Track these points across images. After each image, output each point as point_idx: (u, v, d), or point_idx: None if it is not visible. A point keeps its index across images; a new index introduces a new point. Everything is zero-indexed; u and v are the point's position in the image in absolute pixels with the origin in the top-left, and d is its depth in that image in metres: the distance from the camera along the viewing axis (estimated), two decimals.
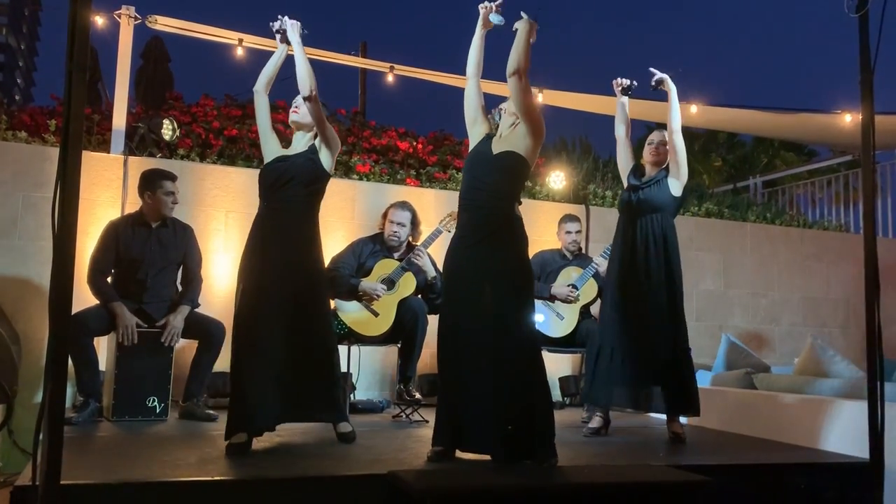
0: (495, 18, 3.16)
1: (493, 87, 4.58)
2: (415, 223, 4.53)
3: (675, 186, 3.87)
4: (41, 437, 2.07)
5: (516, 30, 3.08)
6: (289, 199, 3.26)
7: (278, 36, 3.44)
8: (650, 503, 2.60)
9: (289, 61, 3.41)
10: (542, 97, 6.16)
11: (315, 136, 3.39)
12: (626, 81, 4.03)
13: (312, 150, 3.36)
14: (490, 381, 2.88)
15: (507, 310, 2.93)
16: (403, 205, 4.53)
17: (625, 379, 3.75)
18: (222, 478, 2.49)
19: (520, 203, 3.10)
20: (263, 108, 3.42)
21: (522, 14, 3.10)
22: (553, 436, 2.91)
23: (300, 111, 3.36)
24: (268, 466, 2.74)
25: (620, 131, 4.04)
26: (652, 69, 4.02)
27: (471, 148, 3.19)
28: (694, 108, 6.41)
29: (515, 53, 3.04)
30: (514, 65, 3.03)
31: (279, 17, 3.44)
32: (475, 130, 3.19)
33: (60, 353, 2.08)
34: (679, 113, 3.86)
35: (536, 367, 2.95)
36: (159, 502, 2.34)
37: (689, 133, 16.73)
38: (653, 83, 3.99)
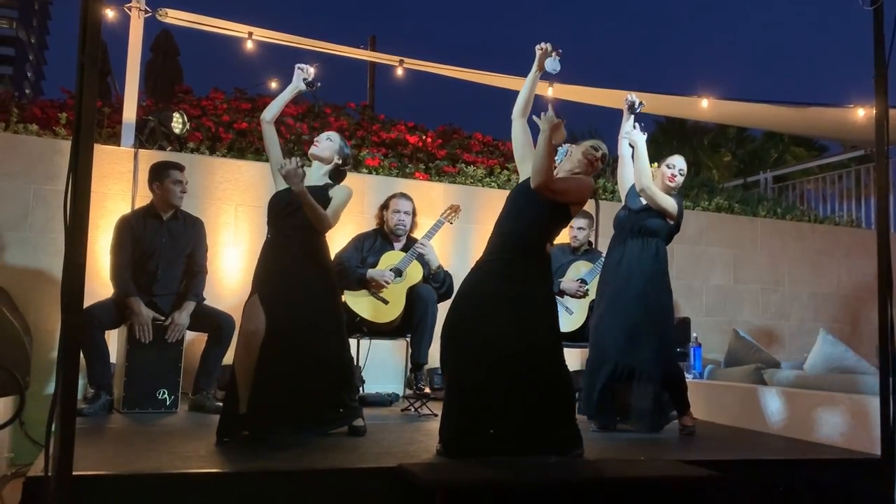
0: (551, 66, 3.12)
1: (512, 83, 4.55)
2: (414, 213, 4.59)
3: (670, 219, 3.90)
4: (53, 428, 2.08)
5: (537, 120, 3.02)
6: (296, 227, 3.29)
7: (302, 80, 3.51)
8: (660, 498, 2.60)
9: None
10: (551, 91, 6.13)
11: (332, 175, 3.48)
12: (636, 99, 3.97)
13: (326, 187, 3.41)
14: (512, 380, 2.88)
15: (530, 336, 2.94)
16: (403, 195, 4.59)
17: (619, 396, 3.76)
18: (232, 470, 2.51)
19: (552, 245, 3.13)
20: (272, 140, 3.48)
21: (548, 109, 3.00)
22: (578, 429, 2.96)
23: (320, 146, 3.46)
24: (277, 459, 2.74)
25: (624, 150, 4.00)
26: (629, 106, 3.97)
27: (521, 179, 3.19)
28: (705, 103, 6.38)
29: (537, 167, 2.94)
30: (536, 180, 2.94)
31: (302, 67, 3.52)
32: (524, 167, 3.17)
33: (72, 345, 2.09)
34: (647, 169, 3.82)
35: (558, 362, 2.98)
36: (170, 494, 2.35)
37: (698, 127, 16.78)
38: (623, 137, 3.97)
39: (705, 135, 16.92)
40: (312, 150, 3.48)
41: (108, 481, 2.31)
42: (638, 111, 3.97)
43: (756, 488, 2.99)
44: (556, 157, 3.11)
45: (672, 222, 3.91)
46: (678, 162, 3.95)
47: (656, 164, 4.02)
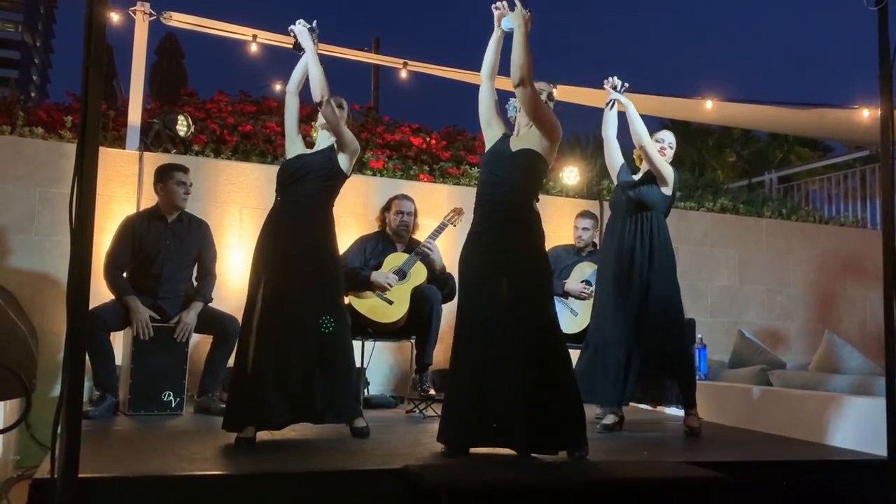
0: (507, 24, 3.11)
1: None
2: (416, 214, 4.61)
3: (665, 188, 3.87)
4: (59, 430, 2.08)
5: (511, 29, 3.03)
6: (303, 194, 3.28)
7: (294, 41, 3.44)
8: (665, 499, 2.59)
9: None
10: (555, 93, 6.11)
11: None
12: (617, 81, 3.96)
13: (331, 149, 3.39)
14: (514, 375, 2.86)
15: (528, 305, 2.92)
16: (405, 196, 4.61)
17: (625, 376, 3.70)
18: (237, 472, 2.51)
19: (537, 200, 3.10)
20: (293, 110, 3.48)
21: (516, 2, 3.01)
22: (584, 426, 2.93)
23: (338, 114, 3.41)
24: (282, 461, 2.75)
25: (610, 131, 3.98)
26: (606, 87, 3.96)
27: (487, 148, 3.19)
28: (709, 104, 6.37)
29: (516, 61, 2.98)
30: (517, 75, 2.98)
31: (296, 22, 3.44)
32: (490, 132, 3.19)
33: (78, 347, 2.09)
34: (642, 126, 3.81)
35: (561, 358, 2.95)
36: (175, 496, 2.36)
37: (703, 128, 16.75)
38: (608, 106, 3.95)
39: (710, 136, 16.89)
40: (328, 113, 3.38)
41: (114, 483, 2.32)
42: (622, 92, 3.94)
43: (762, 490, 2.98)
44: (508, 113, 3.14)
45: (667, 191, 3.87)
46: (666, 136, 3.94)
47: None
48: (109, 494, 2.28)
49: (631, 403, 3.94)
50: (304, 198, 3.28)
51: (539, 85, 3.13)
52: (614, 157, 4.01)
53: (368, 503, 2.53)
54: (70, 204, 2.15)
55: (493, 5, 3.14)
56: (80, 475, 2.06)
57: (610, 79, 3.99)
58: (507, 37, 3.17)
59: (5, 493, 3.44)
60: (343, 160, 3.37)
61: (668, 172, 3.84)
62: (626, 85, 3.98)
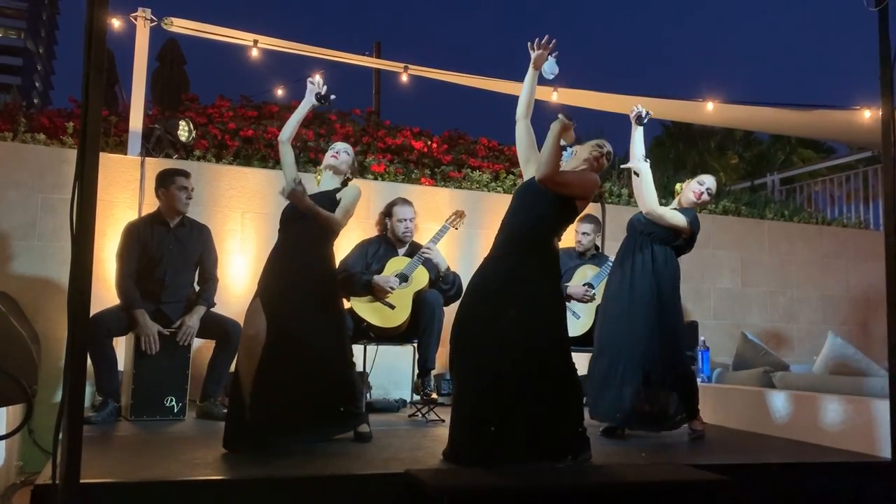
0: (549, 69, 3.14)
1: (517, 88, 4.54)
2: (415, 216, 4.60)
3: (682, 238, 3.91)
4: (61, 436, 2.08)
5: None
6: (304, 233, 3.32)
7: (314, 96, 3.50)
8: (668, 503, 2.58)
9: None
10: (556, 96, 6.14)
11: (343, 183, 3.50)
12: (643, 110, 3.92)
13: (336, 191, 3.45)
14: (522, 397, 2.87)
15: (536, 326, 2.94)
16: (405, 201, 4.58)
17: (625, 396, 3.71)
18: (239, 477, 2.51)
19: (559, 239, 3.13)
20: (289, 159, 3.51)
21: (559, 115, 3.03)
22: (585, 430, 2.96)
23: (340, 158, 3.50)
24: (283, 465, 2.74)
25: (642, 166, 3.89)
26: (635, 116, 3.90)
27: (525, 178, 3.21)
28: (710, 106, 6.37)
29: (544, 158, 2.97)
30: (542, 172, 2.97)
31: (313, 81, 3.52)
32: (528, 169, 3.20)
33: (79, 353, 2.09)
34: (651, 193, 3.82)
35: (568, 380, 2.98)
36: (177, 501, 2.36)
37: (705, 130, 16.73)
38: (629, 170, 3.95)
39: (712, 137, 16.87)
40: (332, 161, 3.49)
41: (116, 489, 2.31)
42: (646, 122, 3.94)
43: (765, 493, 2.97)
44: (562, 158, 3.11)
45: (685, 237, 3.91)
46: (710, 182, 3.96)
47: (687, 180, 4.03)
48: (111, 500, 2.28)
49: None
50: (304, 237, 3.32)
51: (595, 145, 3.20)
52: (650, 192, 3.92)
53: None
54: (71, 209, 2.15)
55: (530, 44, 3.16)
56: (81, 481, 2.06)
57: (634, 108, 3.93)
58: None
59: (8, 499, 3.44)
60: (339, 212, 3.39)
61: (681, 221, 3.84)
62: (651, 113, 3.95)
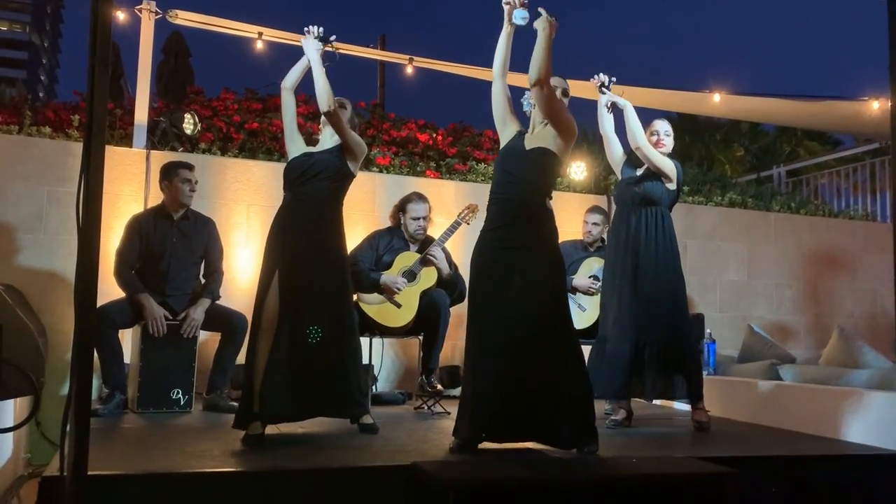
0: (519, 17, 3.07)
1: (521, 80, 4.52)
2: (430, 211, 4.54)
3: (669, 183, 3.85)
4: (68, 428, 2.09)
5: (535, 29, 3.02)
6: (315, 192, 3.29)
7: (311, 40, 3.38)
8: (674, 495, 2.57)
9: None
10: (570, 89, 6.09)
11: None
12: (605, 78, 3.89)
13: (340, 149, 3.40)
14: (527, 372, 2.87)
15: (541, 302, 2.93)
16: (420, 197, 4.52)
17: (630, 368, 3.68)
18: (244, 469, 2.51)
19: (550, 198, 3.10)
20: (290, 106, 3.48)
21: (541, 11, 3.00)
22: (594, 421, 2.95)
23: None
24: (290, 457, 2.75)
25: (607, 127, 3.94)
26: (594, 85, 3.87)
27: (502, 145, 3.18)
28: (717, 97, 6.33)
29: (536, 61, 2.96)
30: (534, 74, 2.97)
31: (308, 27, 3.42)
32: (506, 130, 3.18)
33: (86, 345, 2.10)
34: (639, 128, 3.77)
35: (573, 355, 2.97)
36: (183, 493, 2.36)
37: (710, 123, 16.63)
38: (606, 107, 3.89)
39: (718, 130, 16.80)
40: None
41: (123, 481, 2.32)
42: (609, 88, 3.89)
43: (772, 485, 2.96)
44: (523, 107, 3.12)
45: (672, 186, 3.85)
46: (660, 125, 3.90)
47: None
48: (118, 492, 2.29)
49: (639, 399, 3.90)
50: (314, 197, 3.29)
51: (553, 81, 3.11)
52: (615, 152, 3.97)
53: (377, 500, 2.53)
54: (77, 202, 2.15)
55: (504, 0, 3.11)
56: (88, 473, 2.07)
57: (596, 77, 3.90)
58: (518, 33, 3.14)
59: (16, 490, 3.46)
60: (352, 162, 3.40)
61: (669, 168, 3.81)
62: (614, 79, 3.91)
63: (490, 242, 3.03)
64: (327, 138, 3.46)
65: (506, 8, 3.11)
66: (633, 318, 3.70)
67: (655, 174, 3.84)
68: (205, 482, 2.40)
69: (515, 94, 3.25)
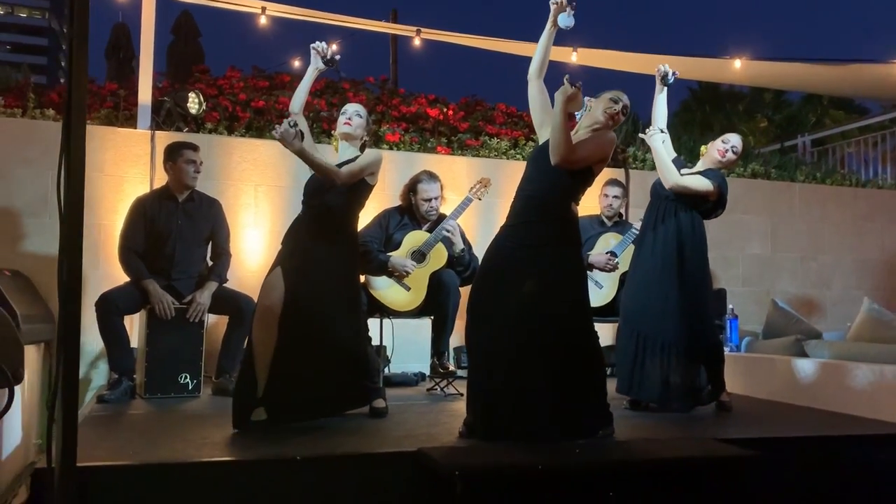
0: (564, 22, 2.95)
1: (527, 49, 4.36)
2: (442, 189, 4.42)
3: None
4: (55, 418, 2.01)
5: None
6: (327, 206, 3.22)
7: (320, 60, 3.36)
8: (693, 480, 2.46)
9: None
10: (575, 56, 5.92)
11: (361, 149, 3.35)
12: (669, 70, 3.73)
13: (355, 158, 3.30)
14: (540, 370, 2.78)
15: (556, 297, 2.83)
16: (431, 176, 4.37)
17: (652, 371, 3.59)
18: (242, 458, 2.43)
19: (577, 204, 3.00)
20: (303, 128, 3.36)
21: (564, 81, 2.83)
22: (608, 405, 2.89)
23: (353, 123, 3.33)
24: (291, 445, 2.66)
25: (660, 123, 3.78)
26: (661, 76, 3.73)
27: (541, 142, 3.06)
28: (738, 63, 6.10)
29: (555, 143, 2.83)
30: (556, 157, 2.84)
31: (318, 46, 3.37)
32: (543, 132, 3.05)
33: (72, 334, 2.01)
34: (669, 166, 3.70)
35: (590, 353, 2.90)
36: (179, 483, 2.28)
37: (733, 93, 16.29)
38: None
39: (740, 100, 16.45)
40: (345, 129, 3.33)
41: (115, 471, 2.25)
42: (671, 82, 3.77)
43: (797, 467, 2.83)
44: (575, 114, 2.97)
45: (712, 200, 3.75)
46: (734, 140, 3.79)
47: (712, 141, 3.86)
48: (111, 483, 2.22)
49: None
50: (327, 210, 3.22)
51: (610, 94, 3.01)
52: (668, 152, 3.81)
53: (382, 488, 2.44)
54: (57, 185, 2.05)
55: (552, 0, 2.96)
56: (80, 464, 1.99)
57: (660, 68, 3.75)
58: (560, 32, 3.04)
59: (27, 477, 3.42)
60: (369, 175, 3.28)
61: (706, 186, 3.70)
62: (677, 73, 3.79)
63: (507, 239, 2.94)
64: (345, 150, 3.36)
65: (552, 7, 2.98)
66: (656, 317, 3.60)
67: (696, 175, 3.75)
68: (201, 471, 2.33)
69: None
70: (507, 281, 2.86)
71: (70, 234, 2.06)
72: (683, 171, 3.79)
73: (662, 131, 3.78)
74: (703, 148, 3.89)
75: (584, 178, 2.97)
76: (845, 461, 2.94)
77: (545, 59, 3.04)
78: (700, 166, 3.83)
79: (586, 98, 3.02)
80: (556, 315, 2.82)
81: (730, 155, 3.76)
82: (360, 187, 3.27)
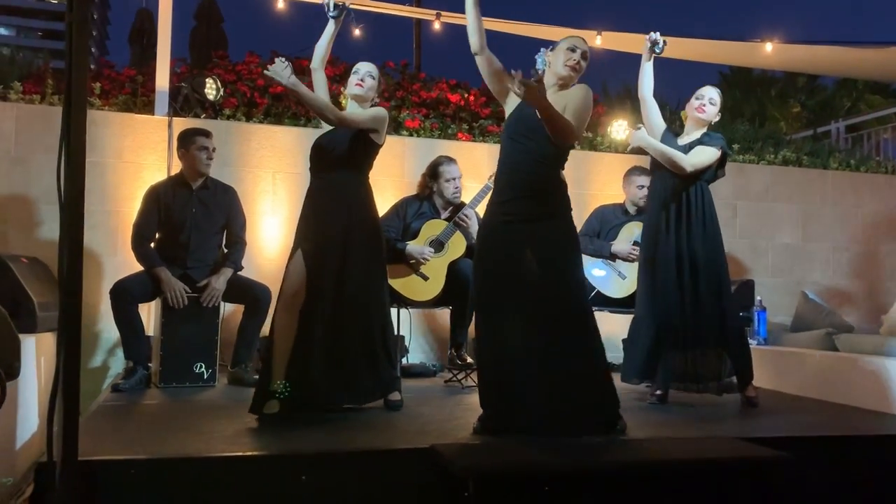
0: (540, 63, 2.88)
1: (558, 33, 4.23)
2: (461, 175, 4.36)
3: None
4: (55, 410, 1.96)
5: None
6: (335, 171, 3.16)
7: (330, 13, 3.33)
8: (715, 483, 2.35)
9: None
10: (600, 40, 5.76)
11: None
12: (659, 38, 3.61)
13: None
14: (539, 354, 2.69)
15: (554, 277, 2.74)
16: (449, 159, 4.33)
17: (666, 353, 3.49)
18: (252, 453, 2.36)
19: (563, 169, 2.89)
20: (322, 85, 3.34)
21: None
22: (616, 400, 2.78)
23: (364, 85, 3.25)
24: (303, 440, 2.60)
25: (645, 91, 3.68)
26: (651, 44, 3.60)
27: (508, 114, 2.93)
28: (769, 47, 5.90)
29: (561, 131, 2.73)
30: (569, 140, 2.79)
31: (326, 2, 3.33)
32: (509, 101, 2.93)
33: (73, 326, 1.96)
34: (674, 154, 3.55)
35: (587, 334, 2.77)
36: (190, 478, 2.23)
37: (765, 78, 15.89)
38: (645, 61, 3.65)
39: (773, 85, 16.10)
40: (356, 90, 3.25)
41: (120, 465, 2.19)
42: (660, 52, 3.63)
43: (828, 468, 2.71)
44: (537, 67, 2.85)
45: (715, 164, 3.63)
46: (708, 91, 3.66)
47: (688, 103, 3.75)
48: (115, 477, 2.16)
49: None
50: (336, 176, 3.16)
51: (567, 44, 2.89)
52: (654, 119, 3.71)
53: (393, 486, 2.37)
54: (57, 173, 1.99)
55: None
56: (89, 457, 1.96)
57: (650, 35, 3.63)
58: None
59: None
60: (375, 133, 3.21)
61: (712, 157, 3.59)
62: (666, 43, 3.64)
63: (499, 216, 2.83)
64: (353, 109, 3.28)
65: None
66: (674, 298, 3.49)
67: (695, 145, 3.61)
68: (212, 467, 2.26)
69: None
70: (505, 262, 2.77)
71: (71, 227, 2.01)
72: (679, 141, 3.67)
73: (638, 126, 3.67)
74: (682, 114, 3.78)
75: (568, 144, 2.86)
76: (879, 462, 2.81)
77: (479, 28, 2.88)
78: (690, 132, 3.69)
79: (544, 50, 2.88)
80: (553, 293, 2.73)
81: (709, 107, 3.63)
82: (365, 146, 3.20)
